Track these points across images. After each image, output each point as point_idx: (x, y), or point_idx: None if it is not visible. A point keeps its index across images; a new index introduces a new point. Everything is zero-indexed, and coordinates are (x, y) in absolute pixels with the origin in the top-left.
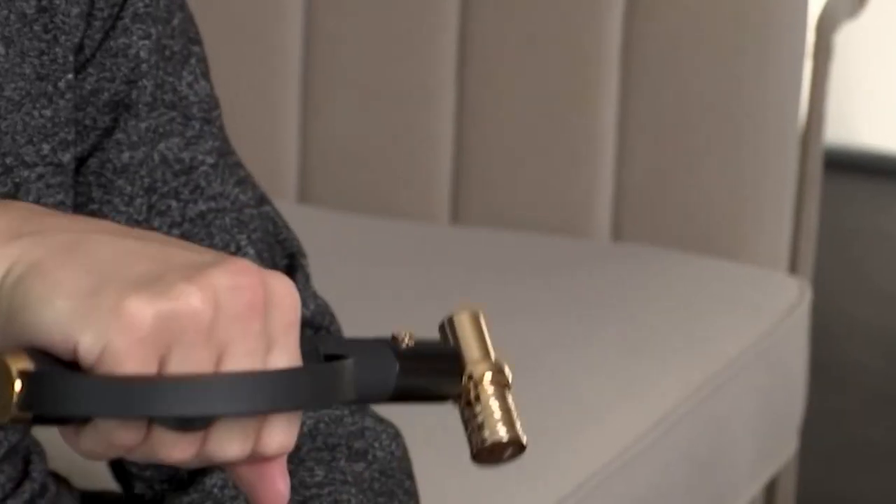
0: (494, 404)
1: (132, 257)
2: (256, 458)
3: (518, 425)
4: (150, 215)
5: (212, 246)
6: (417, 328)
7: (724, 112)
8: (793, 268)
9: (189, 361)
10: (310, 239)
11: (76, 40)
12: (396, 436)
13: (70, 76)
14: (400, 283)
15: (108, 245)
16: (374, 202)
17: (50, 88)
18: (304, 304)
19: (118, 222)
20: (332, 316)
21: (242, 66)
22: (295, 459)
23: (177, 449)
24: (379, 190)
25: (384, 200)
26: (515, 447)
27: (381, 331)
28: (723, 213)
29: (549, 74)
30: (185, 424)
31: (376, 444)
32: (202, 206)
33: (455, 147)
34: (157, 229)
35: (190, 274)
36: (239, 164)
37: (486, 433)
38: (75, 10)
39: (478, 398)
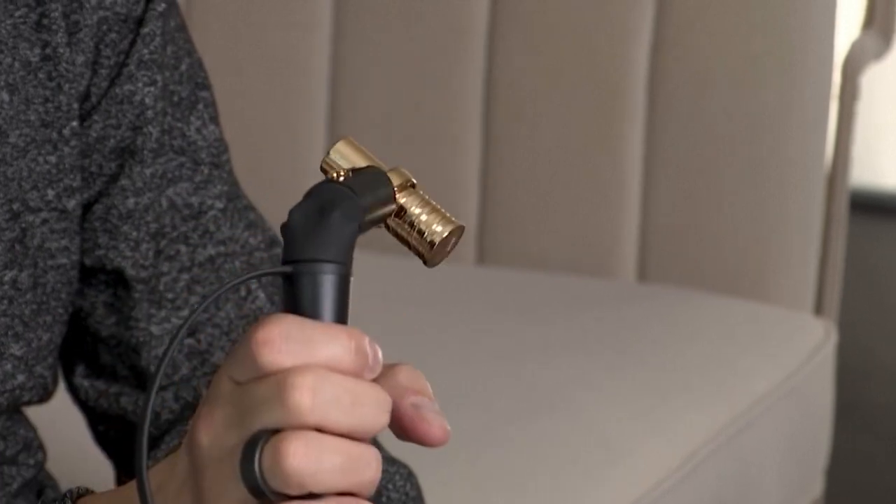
0: (420, 208)
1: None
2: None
3: (449, 216)
4: (157, 260)
5: None
6: (444, 368)
7: (751, 153)
8: (818, 309)
9: None
10: None
11: (81, 88)
12: (409, 476)
13: (75, 123)
14: (426, 323)
15: None
16: (400, 244)
17: (55, 135)
18: None
19: (124, 267)
20: None
21: (270, 109)
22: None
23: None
24: None
25: None
26: (457, 234)
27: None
28: (749, 253)
29: (575, 115)
30: None
31: (390, 486)
32: (211, 251)
33: (481, 188)
34: (166, 274)
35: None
36: (249, 208)
37: (429, 236)
38: (80, 59)
39: (402, 209)
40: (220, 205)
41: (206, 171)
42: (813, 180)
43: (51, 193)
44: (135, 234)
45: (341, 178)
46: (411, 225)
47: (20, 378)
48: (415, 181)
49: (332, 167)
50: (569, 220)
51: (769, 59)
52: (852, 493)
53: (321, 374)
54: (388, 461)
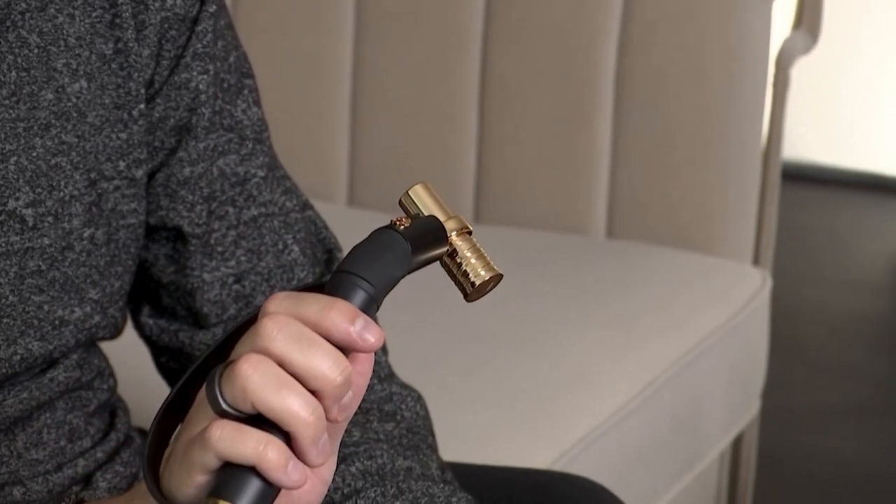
0: (470, 253)
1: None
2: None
3: (492, 263)
4: (209, 219)
5: (262, 245)
6: (441, 310)
7: (700, 132)
8: (756, 260)
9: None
10: (357, 237)
11: (147, 76)
12: (419, 398)
13: (142, 106)
14: (429, 273)
15: None
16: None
17: (125, 116)
18: None
19: (181, 225)
20: None
21: (303, 94)
22: None
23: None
24: None
25: None
26: (495, 280)
27: (409, 312)
28: (699, 215)
29: (555, 100)
30: None
31: (403, 406)
32: (254, 212)
33: (477, 159)
34: (217, 231)
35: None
36: (285, 177)
37: (473, 277)
38: (146, 52)
39: (455, 251)
40: (261, 173)
41: (250, 145)
42: (751, 155)
43: (122, 164)
44: (190, 197)
45: (403, 227)
46: (459, 266)
47: (96, 318)
48: (471, 228)
49: (405, 207)
50: (550, 188)
51: (716, 55)
52: (784, 413)
53: (289, 318)
54: (401, 386)
